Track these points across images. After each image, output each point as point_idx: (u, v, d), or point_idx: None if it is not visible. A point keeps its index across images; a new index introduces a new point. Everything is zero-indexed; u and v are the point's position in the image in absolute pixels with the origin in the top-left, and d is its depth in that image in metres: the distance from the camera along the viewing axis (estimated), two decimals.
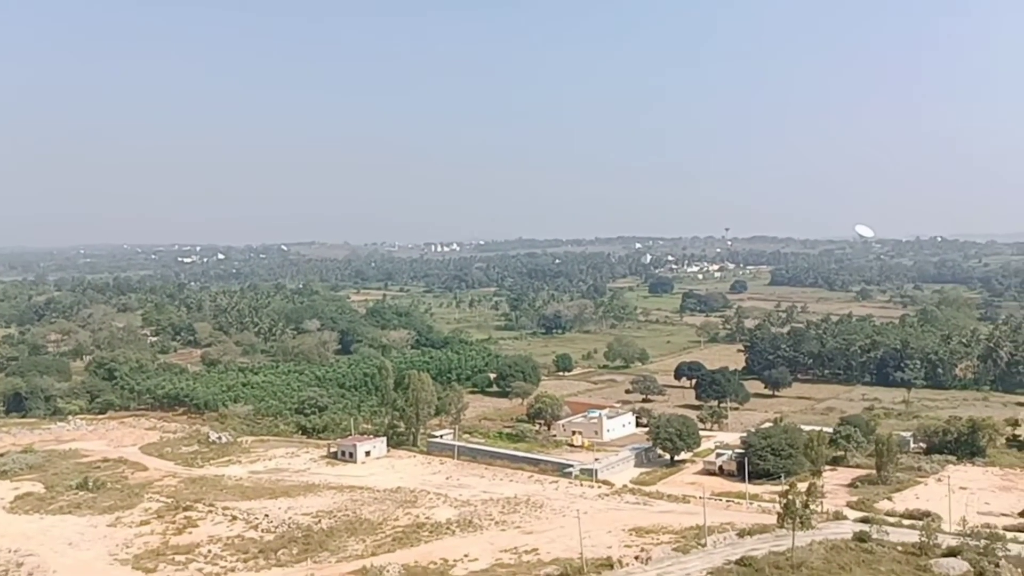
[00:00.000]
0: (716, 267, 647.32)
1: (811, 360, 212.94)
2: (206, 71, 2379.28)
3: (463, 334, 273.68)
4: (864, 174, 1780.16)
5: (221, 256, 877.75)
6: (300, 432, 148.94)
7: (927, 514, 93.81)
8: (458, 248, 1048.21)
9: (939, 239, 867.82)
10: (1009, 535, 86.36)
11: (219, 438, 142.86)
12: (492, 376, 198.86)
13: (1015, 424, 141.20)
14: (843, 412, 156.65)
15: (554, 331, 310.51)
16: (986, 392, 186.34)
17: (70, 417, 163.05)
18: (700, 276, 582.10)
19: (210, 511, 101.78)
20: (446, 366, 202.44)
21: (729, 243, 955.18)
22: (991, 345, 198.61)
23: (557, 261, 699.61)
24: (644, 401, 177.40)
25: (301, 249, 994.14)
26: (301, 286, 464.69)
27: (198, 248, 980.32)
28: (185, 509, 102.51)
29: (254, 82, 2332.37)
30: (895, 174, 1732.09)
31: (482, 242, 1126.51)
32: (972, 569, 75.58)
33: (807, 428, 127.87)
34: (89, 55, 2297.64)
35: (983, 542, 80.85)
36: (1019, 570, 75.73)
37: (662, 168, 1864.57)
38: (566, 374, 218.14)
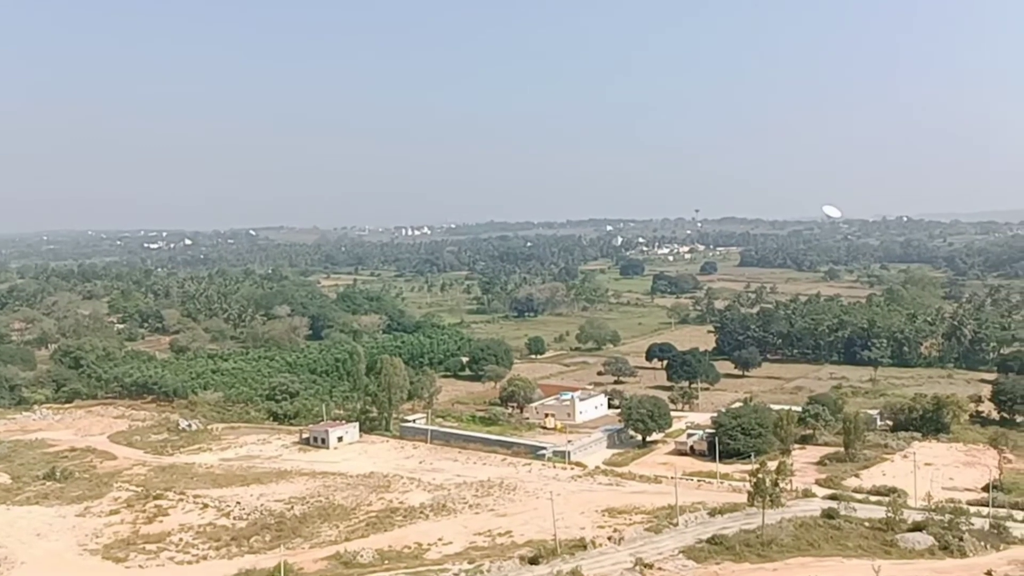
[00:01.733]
0: (686, 249, 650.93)
1: (780, 340, 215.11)
2: (171, 49, 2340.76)
3: (435, 318, 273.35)
4: (832, 154, 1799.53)
5: (188, 242, 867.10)
6: (271, 419, 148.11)
7: (893, 490, 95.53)
8: (429, 232, 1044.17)
9: (905, 219, 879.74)
10: (972, 509, 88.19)
11: (189, 426, 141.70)
12: (464, 360, 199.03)
13: (978, 401, 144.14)
14: (812, 391, 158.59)
15: (526, 314, 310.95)
16: (950, 370, 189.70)
17: (36, 406, 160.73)
18: (671, 258, 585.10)
19: (181, 499, 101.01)
20: (418, 350, 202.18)
21: (699, 225, 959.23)
22: (955, 323, 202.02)
23: (529, 244, 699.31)
24: (616, 383, 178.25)
25: (270, 234, 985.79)
26: (270, 271, 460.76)
27: (164, 234, 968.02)
28: (155, 498, 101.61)
29: (220, 62, 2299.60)
30: (862, 154, 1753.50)
31: (453, 225, 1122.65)
32: (937, 543, 77.18)
33: (776, 407, 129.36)
34: (52, 31, 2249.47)
35: (948, 516, 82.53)
36: (982, 543, 77.49)
37: (632, 148, 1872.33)
38: (538, 357, 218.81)
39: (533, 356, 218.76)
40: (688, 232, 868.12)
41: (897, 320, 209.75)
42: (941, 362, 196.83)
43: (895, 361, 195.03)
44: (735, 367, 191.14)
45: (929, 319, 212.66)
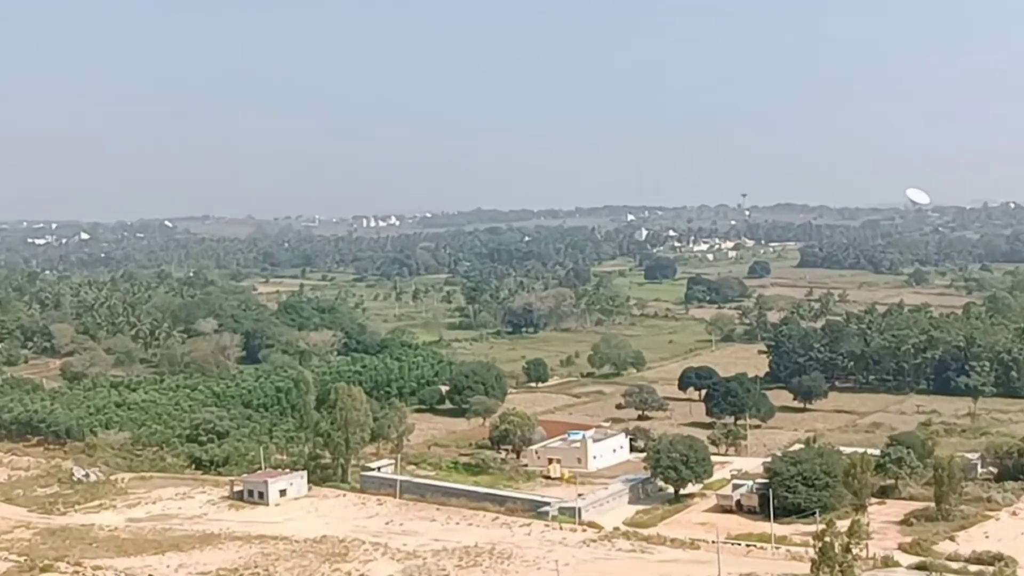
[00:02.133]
0: (730, 245, 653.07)
1: (852, 363, 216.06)
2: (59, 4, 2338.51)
3: (405, 335, 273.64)
4: (918, 124, 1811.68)
5: (85, 236, 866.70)
6: (194, 466, 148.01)
7: (999, 558, 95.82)
8: (397, 223, 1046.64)
9: (1013, 206, 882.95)
10: None
11: (86, 476, 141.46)
12: (444, 389, 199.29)
13: None
14: (893, 429, 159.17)
15: (524, 330, 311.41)
16: None
17: None
18: (710, 256, 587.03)
19: (76, 572, 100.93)
20: (384, 377, 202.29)
21: (747, 214, 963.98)
22: None
23: (527, 239, 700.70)
24: (640, 419, 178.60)
25: (191, 225, 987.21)
26: (192, 274, 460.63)
27: (54, 225, 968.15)
28: (43, 570, 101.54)
29: (122, 11, 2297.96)
30: (957, 124, 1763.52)
31: (429, 215, 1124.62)
32: None
33: (848, 450, 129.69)
34: None
35: None
36: None
37: (660, 117, 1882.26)
38: (540, 385, 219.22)
39: (533, 384, 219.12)
40: (732, 223, 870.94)
41: (1003, 337, 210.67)
42: None
43: (1000, 390, 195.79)
44: (794, 398, 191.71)
45: None
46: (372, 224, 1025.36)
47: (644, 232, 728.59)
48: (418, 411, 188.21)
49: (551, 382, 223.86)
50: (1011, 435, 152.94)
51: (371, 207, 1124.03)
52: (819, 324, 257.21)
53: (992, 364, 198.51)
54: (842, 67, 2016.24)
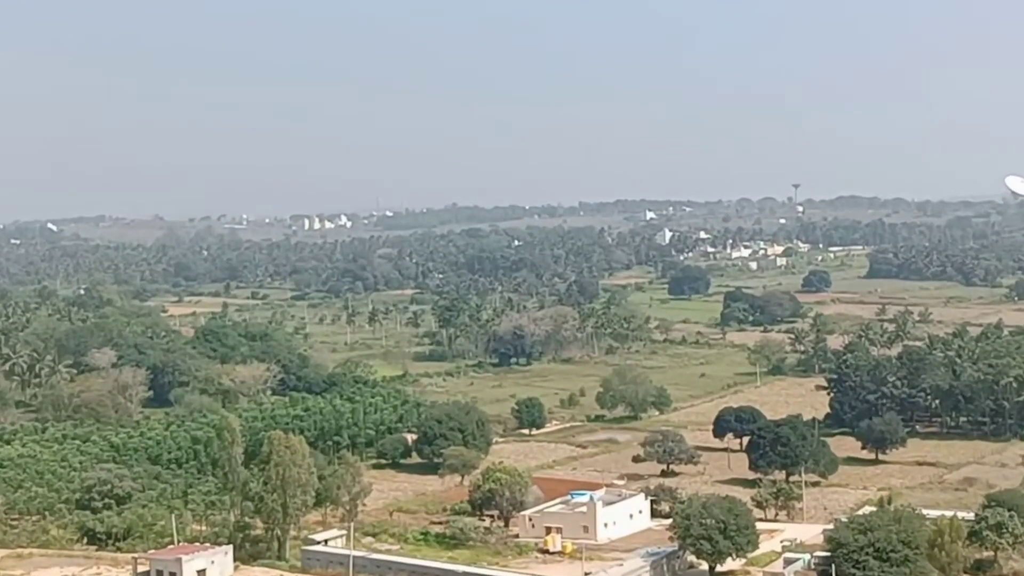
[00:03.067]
0: (779, 250, 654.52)
1: (937, 402, 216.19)
2: None
3: (360, 368, 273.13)
4: (1017, 98, 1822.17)
5: None
6: (86, 540, 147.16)
7: None
8: (349, 224, 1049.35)
9: None
10: None
11: None
12: (410, 438, 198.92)
13: None
14: (991, 486, 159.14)
15: (513, 361, 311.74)
16: None
17: None
18: (753, 265, 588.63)
19: None
20: (333, 424, 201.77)
21: (800, 210, 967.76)
22: None
23: (517, 243, 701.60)
24: (664, 474, 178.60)
25: (82, 229, 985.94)
26: (83, 292, 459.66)
27: None
28: None
29: None
30: None
31: (389, 213, 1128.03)
32: None
33: (933, 514, 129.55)
34: None
35: None
36: None
37: (688, 85, 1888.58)
38: (535, 433, 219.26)
39: (525, 431, 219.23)
40: (782, 221, 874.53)
41: None
42: None
43: None
44: (863, 447, 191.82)
45: None
46: (316, 226, 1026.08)
47: (668, 234, 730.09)
48: (377, 467, 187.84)
49: (549, 428, 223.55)
50: None
51: (315, 204, 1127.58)
52: (894, 352, 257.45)
53: None
54: (921, 24, 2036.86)
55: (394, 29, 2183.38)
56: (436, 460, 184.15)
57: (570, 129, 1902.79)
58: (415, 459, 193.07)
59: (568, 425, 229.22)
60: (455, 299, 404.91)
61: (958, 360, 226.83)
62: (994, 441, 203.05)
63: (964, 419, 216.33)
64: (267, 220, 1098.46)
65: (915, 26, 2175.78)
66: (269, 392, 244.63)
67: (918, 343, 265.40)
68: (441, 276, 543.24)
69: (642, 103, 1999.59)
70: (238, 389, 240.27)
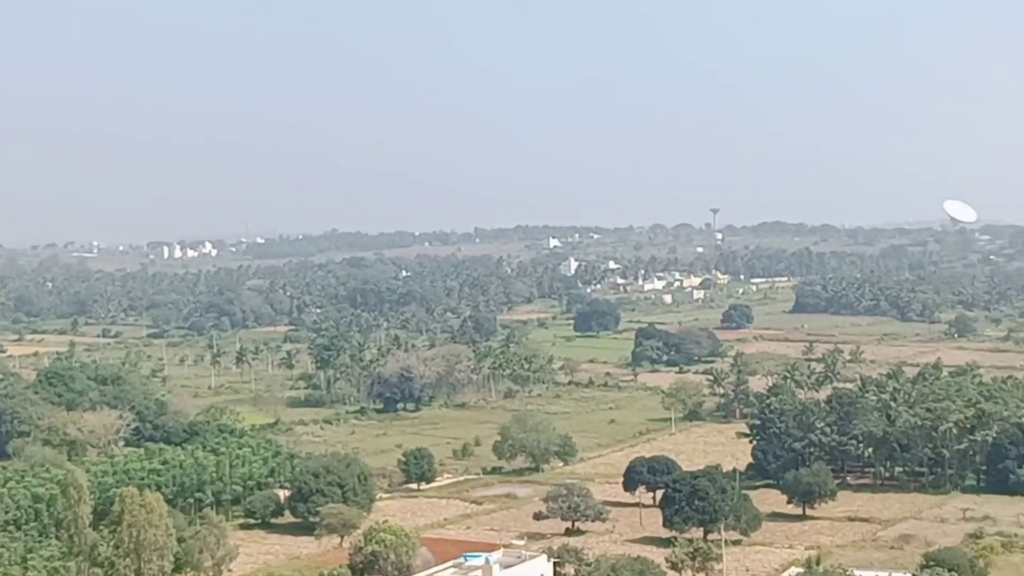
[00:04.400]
0: (696, 281, 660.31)
1: (871, 450, 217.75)
2: None
3: (226, 416, 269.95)
4: (959, 115, 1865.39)
5: None
6: None
7: None
8: (215, 252, 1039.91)
9: None
10: None
11: None
12: (283, 495, 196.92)
13: None
14: (929, 544, 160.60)
15: (401, 406, 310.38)
16: None
17: None
18: (668, 298, 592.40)
19: None
20: (194, 478, 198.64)
21: (719, 237, 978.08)
22: None
23: (405, 273, 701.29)
24: (569, 533, 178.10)
25: None
26: None
27: None
28: None
29: None
30: (1013, 115, 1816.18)
31: (261, 240, 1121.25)
32: None
33: (866, 575, 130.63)
34: None
35: None
36: None
37: (591, 100, 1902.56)
38: (424, 487, 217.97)
39: (414, 485, 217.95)
40: (699, 250, 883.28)
41: None
42: None
43: None
44: (789, 500, 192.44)
45: None
46: (177, 254, 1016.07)
47: (573, 264, 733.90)
48: (245, 527, 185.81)
49: (440, 482, 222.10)
50: None
51: (175, 230, 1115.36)
52: (823, 394, 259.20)
53: None
54: (853, 41, 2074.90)
55: (264, 44, 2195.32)
56: (312, 519, 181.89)
57: (464, 147, 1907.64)
58: (288, 518, 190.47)
59: (461, 478, 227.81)
60: (334, 337, 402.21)
61: (893, 404, 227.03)
62: (932, 494, 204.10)
63: (900, 469, 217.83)
64: (121, 248, 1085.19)
65: (846, 42, 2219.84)
66: (122, 443, 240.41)
67: (849, 385, 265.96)
68: (319, 311, 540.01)
69: (546, 121, 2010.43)
70: (86, 440, 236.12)
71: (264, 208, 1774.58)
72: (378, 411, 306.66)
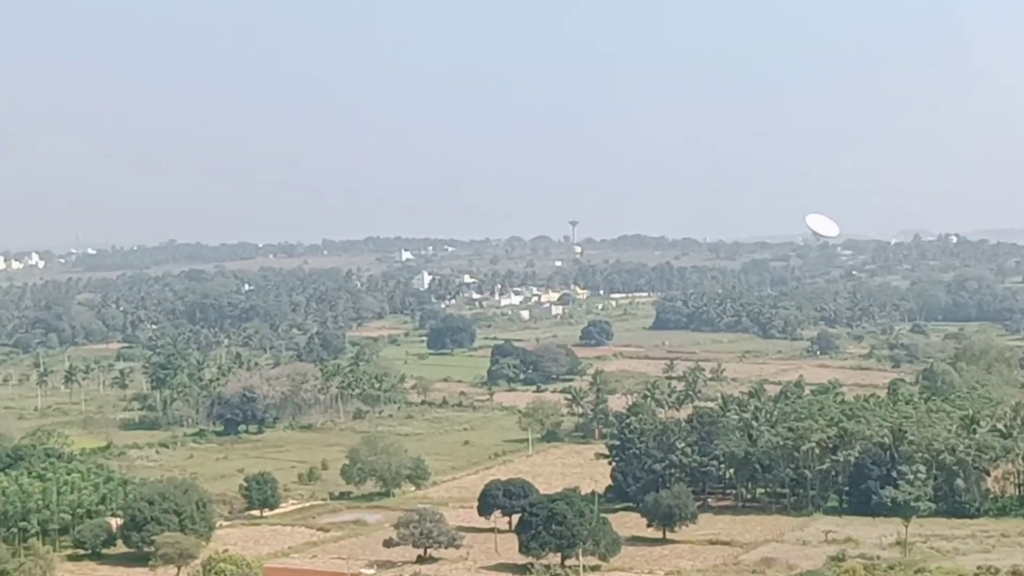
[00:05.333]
0: (555, 296, 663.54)
1: (732, 471, 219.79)
2: None
3: (54, 439, 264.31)
4: (821, 129, 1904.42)
5: None
6: None
7: None
8: (41, 263, 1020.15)
9: (954, 239, 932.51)
10: None
11: None
12: (115, 523, 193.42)
13: None
14: (792, 567, 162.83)
15: (243, 428, 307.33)
16: None
17: None
18: (525, 314, 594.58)
19: None
20: (18, 506, 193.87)
21: (578, 250, 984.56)
22: None
23: (247, 287, 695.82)
24: (421, 560, 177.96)
25: None
26: None
27: None
28: None
29: None
30: (875, 129, 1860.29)
31: (92, 251, 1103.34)
32: None
33: None
34: None
35: None
36: None
37: (447, 111, 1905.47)
38: (268, 513, 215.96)
39: (256, 512, 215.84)
40: (558, 263, 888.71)
41: (943, 430, 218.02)
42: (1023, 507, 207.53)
43: (941, 506, 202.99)
44: (649, 524, 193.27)
45: (1002, 426, 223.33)
46: (1, 266, 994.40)
47: (427, 278, 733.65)
48: (74, 558, 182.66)
49: (284, 508, 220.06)
50: (958, 572, 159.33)
51: None
52: (684, 413, 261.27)
53: (929, 469, 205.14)
54: (715, 54, 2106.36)
55: (89, 43, 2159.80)
56: (147, 549, 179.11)
57: (309, 152, 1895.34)
58: (121, 548, 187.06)
59: (308, 504, 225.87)
60: (171, 355, 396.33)
61: (755, 423, 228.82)
62: (795, 515, 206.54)
63: (762, 490, 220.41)
64: None
65: (709, 55, 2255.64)
66: None
67: (710, 404, 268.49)
68: (155, 327, 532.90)
69: (398, 128, 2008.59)
70: None
71: (95, 217, 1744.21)
72: (218, 434, 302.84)
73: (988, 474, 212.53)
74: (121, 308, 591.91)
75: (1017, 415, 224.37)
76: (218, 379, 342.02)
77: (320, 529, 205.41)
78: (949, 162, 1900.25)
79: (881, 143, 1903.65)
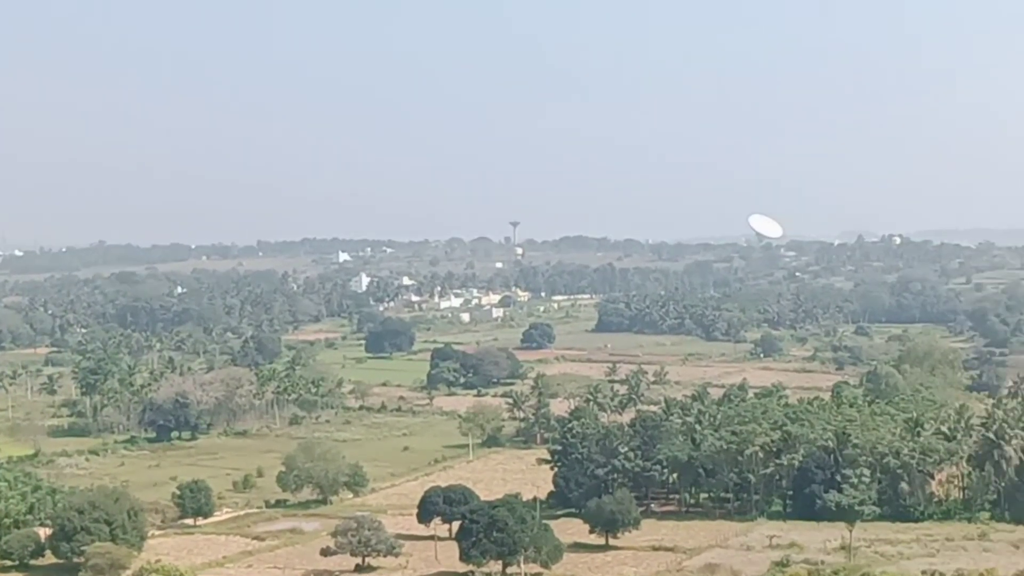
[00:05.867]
0: (496, 298, 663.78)
1: (675, 476, 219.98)
2: None
3: None
4: (764, 126, 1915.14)
5: None
6: None
7: None
8: None
9: (898, 240, 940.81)
10: None
11: None
12: (44, 533, 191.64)
13: None
14: (735, 572, 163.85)
15: (176, 434, 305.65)
16: (985, 524, 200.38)
17: None
18: (465, 317, 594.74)
19: None
20: None
21: (519, 252, 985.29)
22: (991, 437, 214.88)
23: (180, 290, 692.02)
24: (359, 570, 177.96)
25: None
26: None
27: None
28: None
29: None
30: (818, 127, 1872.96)
31: (20, 252, 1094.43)
32: None
33: None
34: None
35: None
36: None
37: (384, 109, 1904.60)
38: (201, 522, 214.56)
39: (190, 521, 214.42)
40: (499, 265, 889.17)
41: (888, 433, 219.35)
42: (968, 510, 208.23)
43: (886, 510, 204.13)
44: (591, 530, 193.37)
45: (946, 429, 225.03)
46: None
47: (365, 280, 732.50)
48: (1, 569, 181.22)
49: (219, 516, 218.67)
50: None
51: None
52: (626, 417, 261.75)
53: (873, 472, 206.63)
54: (654, 51, 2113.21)
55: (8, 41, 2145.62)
56: (76, 560, 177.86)
57: (241, 149, 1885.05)
58: (50, 559, 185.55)
59: (243, 512, 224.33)
60: (102, 359, 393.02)
61: (698, 427, 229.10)
62: (739, 521, 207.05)
63: (705, 495, 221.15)
64: None
65: (649, 56, 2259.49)
66: None
67: (653, 408, 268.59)
68: (84, 330, 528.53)
69: (333, 126, 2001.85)
70: None
71: (22, 218, 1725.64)
72: (150, 440, 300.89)
73: (932, 477, 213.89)
74: (49, 311, 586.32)
75: (961, 418, 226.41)
76: (150, 384, 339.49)
77: (255, 538, 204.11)
78: (893, 163, 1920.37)
79: (824, 144, 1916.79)
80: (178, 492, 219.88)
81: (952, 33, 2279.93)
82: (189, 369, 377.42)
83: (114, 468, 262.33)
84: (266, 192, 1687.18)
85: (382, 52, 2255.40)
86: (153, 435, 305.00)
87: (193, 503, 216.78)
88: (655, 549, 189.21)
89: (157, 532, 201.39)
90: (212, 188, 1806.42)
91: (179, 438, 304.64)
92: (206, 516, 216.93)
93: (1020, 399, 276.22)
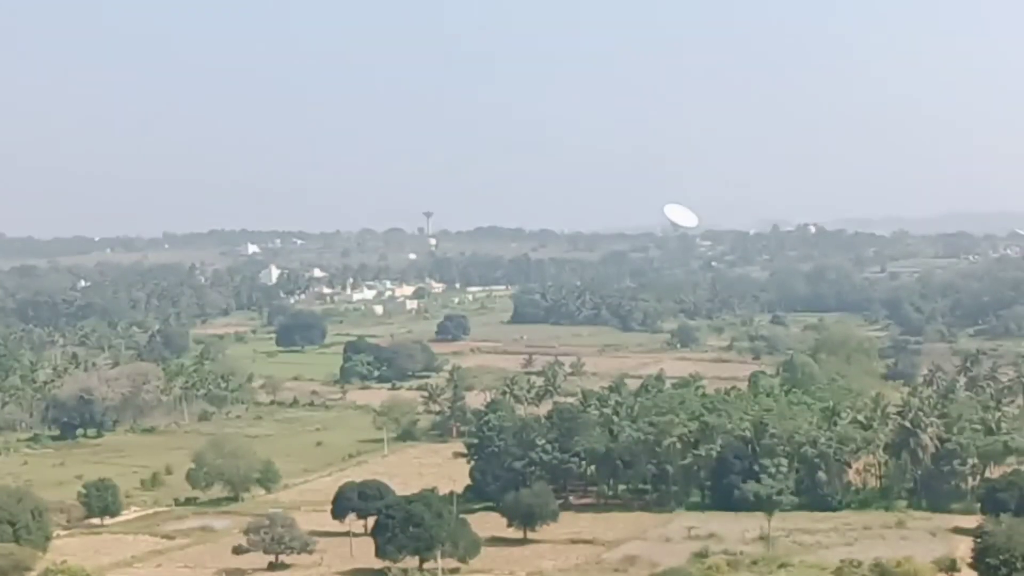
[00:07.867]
0: (409, 290, 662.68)
1: (593, 468, 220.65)
2: None
3: None
4: (678, 116, 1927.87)
5: None
6: None
7: None
8: None
9: (813, 229, 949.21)
10: None
11: None
12: None
13: (952, 568, 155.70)
14: (654, 564, 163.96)
15: (81, 432, 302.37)
16: (901, 512, 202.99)
17: None
18: (379, 309, 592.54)
19: None
20: None
21: (433, 242, 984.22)
22: (906, 426, 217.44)
23: (84, 283, 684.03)
24: (273, 568, 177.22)
25: None
26: None
27: None
28: None
29: None
30: (733, 115, 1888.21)
31: None
32: None
33: None
34: None
35: None
36: None
37: (290, 97, 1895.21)
38: (109, 521, 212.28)
39: (97, 520, 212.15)
40: (412, 256, 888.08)
41: (805, 422, 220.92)
42: (885, 498, 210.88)
43: (804, 499, 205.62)
44: (509, 524, 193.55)
45: (862, 418, 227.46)
46: None
47: (275, 272, 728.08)
48: None
49: (126, 516, 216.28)
50: (821, 566, 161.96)
51: None
52: (544, 409, 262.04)
53: (791, 462, 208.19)
54: (571, 39, 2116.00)
55: None
56: None
57: (149, 144, 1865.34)
58: None
59: (151, 511, 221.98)
60: (2, 356, 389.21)
61: (615, 418, 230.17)
62: (658, 512, 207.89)
63: (623, 487, 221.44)
64: None
65: (571, 40, 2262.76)
66: None
67: (570, 399, 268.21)
68: None
69: (241, 112, 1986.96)
70: None
71: None
72: (54, 438, 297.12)
73: (849, 466, 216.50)
74: None
75: (877, 406, 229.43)
76: (53, 380, 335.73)
77: (165, 536, 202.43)
78: (807, 152, 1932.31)
79: (738, 132, 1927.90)
80: (84, 491, 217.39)
81: (861, 21, 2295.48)
82: (94, 365, 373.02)
83: (17, 467, 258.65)
84: (172, 183, 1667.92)
85: (286, 37, 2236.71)
86: (57, 433, 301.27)
87: (99, 502, 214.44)
88: (574, 542, 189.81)
89: (62, 532, 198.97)
90: (116, 179, 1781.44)
91: (84, 435, 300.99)
92: (113, 515, 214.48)
93: (935, 387, 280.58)
